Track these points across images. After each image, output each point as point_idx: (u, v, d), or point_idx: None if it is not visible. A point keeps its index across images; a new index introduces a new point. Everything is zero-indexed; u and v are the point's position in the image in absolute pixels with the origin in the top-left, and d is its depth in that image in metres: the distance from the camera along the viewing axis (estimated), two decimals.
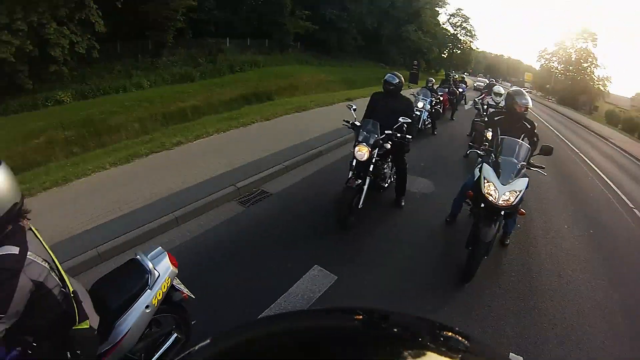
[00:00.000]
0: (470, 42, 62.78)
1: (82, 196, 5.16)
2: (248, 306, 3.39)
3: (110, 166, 6.20)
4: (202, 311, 2.91)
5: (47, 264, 1.76)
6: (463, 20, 60.66)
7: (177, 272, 2.51)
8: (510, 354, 3.28)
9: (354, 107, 5.23)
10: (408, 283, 4.01)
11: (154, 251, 2.51)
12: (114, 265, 3.77)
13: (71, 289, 1.85)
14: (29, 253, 1.67)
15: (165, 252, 2.53)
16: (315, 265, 4.01)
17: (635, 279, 5.11)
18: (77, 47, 16.78)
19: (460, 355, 1.11)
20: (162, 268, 2.41)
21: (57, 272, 1.82)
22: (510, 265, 4.70)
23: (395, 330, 1.24)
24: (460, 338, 1.17)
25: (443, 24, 56.56)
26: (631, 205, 8.84)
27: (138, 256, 2.44)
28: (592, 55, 56.07)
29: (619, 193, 9.80)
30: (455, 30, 60.54)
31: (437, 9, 51.01)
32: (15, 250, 1.62)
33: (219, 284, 3.65)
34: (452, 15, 59.97)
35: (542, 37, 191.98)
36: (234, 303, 3.42)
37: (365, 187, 4.65)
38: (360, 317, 1.30)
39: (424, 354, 1.06)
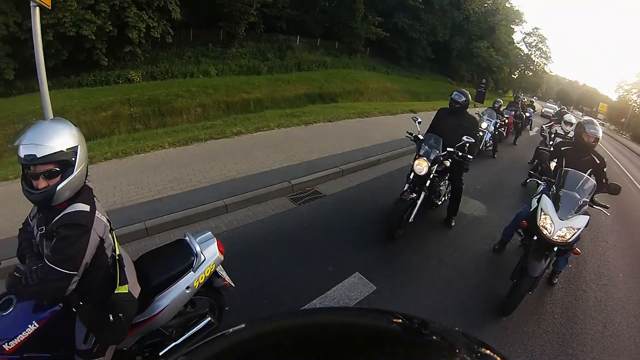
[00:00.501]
0: (544, 64, 59.40)
1: (139, 171, 5.47)
2: (283, 303, 3.44)
3: (169, 146, 6.52)
4: (237, 300, 2.98)
5: (108, 223, 1.89)
6: (539, 40, 57.26)
7: (222, 259, 2.57)
8: None
9: (419, 120, 5.19)
10: (445, 305, 3.91)
11: (203, 235, 2.59)
12: (159, 241, 3.99)
13: (117, 252, 1.97)
14: (96, 211, 1.80)
15: (215, 238, 2.60)
16: (357, 272, 4.01)
17: None
18: (152, 31, 17.77)
19: None
20: (209, 253, 2.47)
21: (111, 233, 1.96)
22: (554, 306, 4.42)
23: (434, 338, 1.22)
24: (498, 358, 1.13)
25: (517, 43, 53.73)
26: None
27: (187, 237, 2.53)
28: None
29: None
30: (529, 50, 57.28)
31: (512, 26, 48.53)
32: (86, 207, 1.75)
33: (258, 276, 3.74)
34: (528, 34, 56.76)
35: (623, 66, 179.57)
36: (270, 297, 3.48)
37: (419, 201, 4.62)
38: (400, 320, 1.29)
39: None
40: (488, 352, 1.08)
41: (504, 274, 4.30)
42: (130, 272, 2.09)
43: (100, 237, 1.78)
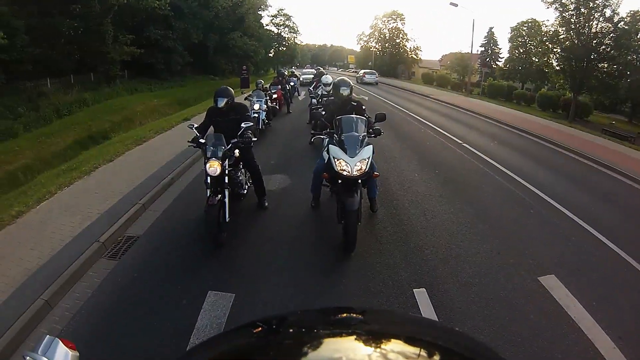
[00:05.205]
0: (295, 37, 66.58)
1: None
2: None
3: None
4: None
5: None
6: (286, 19, 63.97)
7: (78, 354, 2.23)
8: (414, 289, 3.81)
9: (195, 125, 5.10)
10: (300, 272, 4.16)
11: (43, 342, 2.19)
12: None
13: None
14: None
15: (58, 339, 2.23)
16: (209, 291, 3.83)
17: (476, 194, 6.83)
18: None
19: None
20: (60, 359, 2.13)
21: None
22: (383, 223, 5.30)
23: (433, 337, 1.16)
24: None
25: (266, 26, 58.29)
26: (460, 142, 10.97)
27: (27, 357, 2.13)
28: (402, 31, 66.64)
29: (449, 135, 11.99)
30: (278, 29, 63.43)
31: (259, 12, 52.22)
32: None
33: (124, 345, 3.28)
34: (274, 16, 62.59)
35: (358, 22, 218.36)
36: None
37: (227, 200, 4.62)
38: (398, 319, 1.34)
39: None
40: (487, 351, 1.13)
41: (332, 222, 4.83)
42: None
43: None
